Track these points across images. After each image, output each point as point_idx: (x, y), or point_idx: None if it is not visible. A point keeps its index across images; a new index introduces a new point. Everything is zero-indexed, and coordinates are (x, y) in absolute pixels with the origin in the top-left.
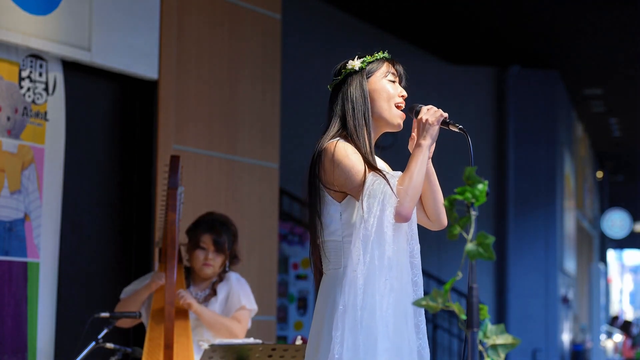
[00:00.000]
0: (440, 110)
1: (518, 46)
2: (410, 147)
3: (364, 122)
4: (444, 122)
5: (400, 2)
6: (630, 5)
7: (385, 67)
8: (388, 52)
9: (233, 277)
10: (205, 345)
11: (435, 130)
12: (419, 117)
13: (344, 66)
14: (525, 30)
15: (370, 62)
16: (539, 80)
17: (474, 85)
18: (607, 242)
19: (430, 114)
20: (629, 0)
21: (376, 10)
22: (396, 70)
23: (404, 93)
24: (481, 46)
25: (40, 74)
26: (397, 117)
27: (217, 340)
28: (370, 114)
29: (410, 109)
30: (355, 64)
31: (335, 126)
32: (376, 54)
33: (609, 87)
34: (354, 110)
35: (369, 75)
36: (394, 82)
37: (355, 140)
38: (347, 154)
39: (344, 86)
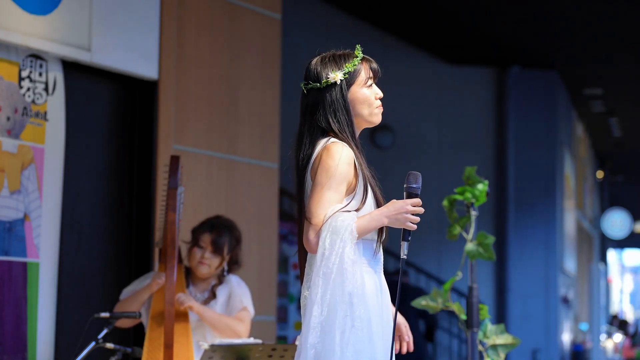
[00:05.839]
0: (414, 222)
1: (518, 46)
2: None
3: (349, 133)
4: (406, 235)
5: (401, 2)
6: (630, 5)
7: (364, 74)
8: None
9: (233, 279)
10: (205, 345)
11: (399, 225)
12: (407, 206)
13: (325, 76)
14: (525, 30)
15: (350, 72)
16: (539, 80)
17: (474, 86)
18: (607, 242)
19: (405, 217)
20: (629, 0)
21: (376, 11)
22: (373, 69)
23: (380, 94)
24: (481, 46)
25: (40, 74)
26: (376, 117)
27: (217, 340)
28: (354, 126)
29: (411, 180)
30: (337, 76)
31: (319, 134)
32: (353, 60)
33: (609, 87)
34: (339, 123)
35: (350, 84)
36: (371, 85)
37: (352, 147)
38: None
39: (326, 95)
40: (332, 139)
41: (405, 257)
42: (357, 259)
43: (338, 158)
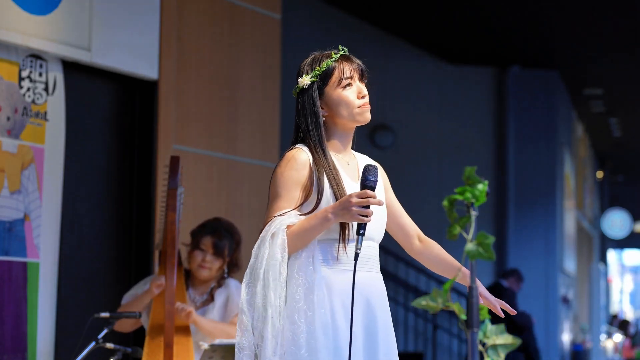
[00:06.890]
0: (368, 215)
1: (518, 46)
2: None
3: (316, 137)
4: (359, 229)
5: (401, 2)
6: (630, 5)
7: (336, 74)
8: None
9: (232, 283)
10: (205, 346)
11: (349, 219)
12: (351, 198)
13: (297, 81)
14: (525, 30)
15: (319, 74)
16: (539, 80)
17: (474, 85)
18: (607, 242)
19: (356, 210)
20: (629, 0)
21: (376, 10)
22: (352, 69)
23: (364, 92)
24: (481, 46)
25: (40, 74)
26: (360, 116)
27: (217, 340)
28: (322, 129)
29: (366, 172)
30: (304, 81)
31: (295, 138)
32: (323, 63)
33: (609, 87)
34: (307, 127)
35: (322, 87)
36: (349, 84)
37: (315, 151)
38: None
39: (299, 100)
40: (297, 145)
41: (359, 251)
42: (303, 263)
43: (284, 166)
